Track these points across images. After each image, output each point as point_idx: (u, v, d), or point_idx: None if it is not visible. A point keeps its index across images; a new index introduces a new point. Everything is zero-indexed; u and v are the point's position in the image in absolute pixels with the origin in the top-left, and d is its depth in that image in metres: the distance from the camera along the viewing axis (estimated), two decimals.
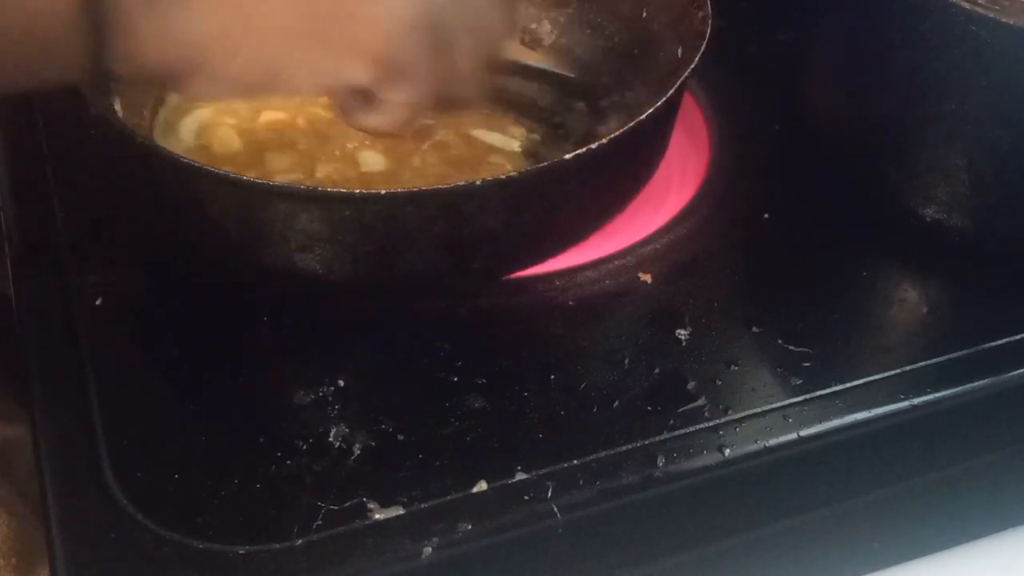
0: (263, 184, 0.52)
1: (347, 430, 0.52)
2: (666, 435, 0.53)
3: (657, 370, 0.56)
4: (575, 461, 0.52)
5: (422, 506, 0.49)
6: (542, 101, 0.67)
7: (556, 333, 0.59)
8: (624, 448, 0.52)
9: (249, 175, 0.51)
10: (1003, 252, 0.63)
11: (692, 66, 0.57)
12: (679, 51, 0.62)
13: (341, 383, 0.55)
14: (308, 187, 0.55)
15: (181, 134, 0.63)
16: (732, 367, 0.57)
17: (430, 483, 0.50)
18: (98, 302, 0.58)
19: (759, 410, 0.55)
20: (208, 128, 0.63)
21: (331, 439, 0.52)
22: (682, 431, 0.53)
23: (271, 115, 0.64)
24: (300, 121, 0.64)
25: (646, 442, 0.53)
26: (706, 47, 0.58)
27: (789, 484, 0.56)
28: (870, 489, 0.59)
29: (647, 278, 0.61)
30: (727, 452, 0.53)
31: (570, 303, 0.60)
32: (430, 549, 0.48)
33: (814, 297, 0.61)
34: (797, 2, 0.72)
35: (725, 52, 0.63)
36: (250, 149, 0.62)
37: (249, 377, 0.56)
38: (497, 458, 0.52)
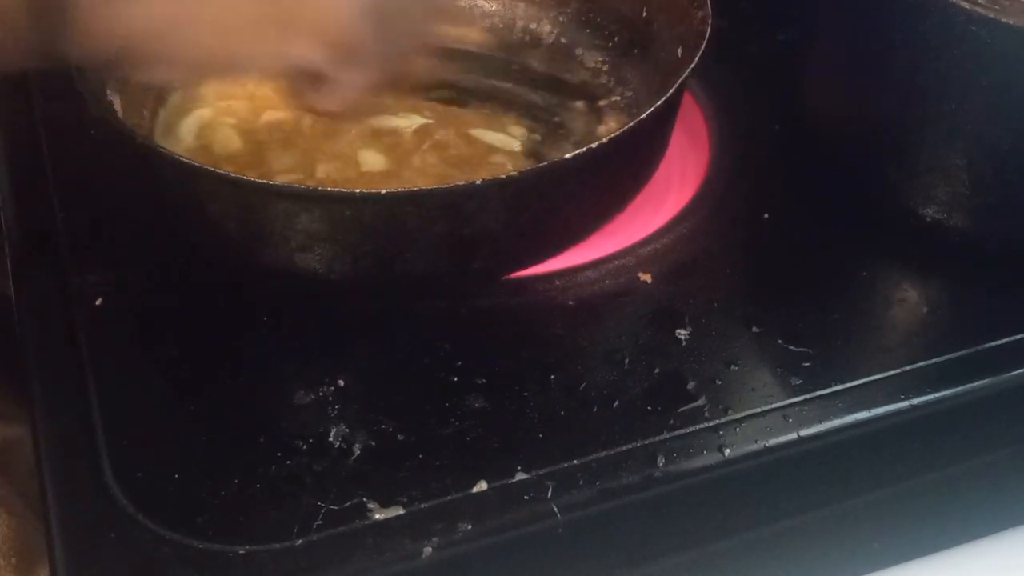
0: (263, 184, 0.52)
1: (347, 430, 0.52)
2: (666, 435, 0.53)
3: (657, 370, 0.56)
4: (575, 461, 0.52)
5: (422, 506, 0.49)
6: (542, 101, 0.67)
7: (556, 333, 0.59)
8: (624, 448, 0.52)
9: (249, 175, 0.51)
10: (1003, 252, 0.63)
11: (692, 66, 0.57)
12: (679, 51, 0.62)
13: (341, 383, 0.55)
14: (308, 187, 0.55)
15: (181, 134, 0.63)
16: (732, 367, 0.57)
17: (430, 483, 0.50)
18: (98, 302, 0.58)
19: (759, 410, 0.55)
20: (208, 128, 0.63)
21: (331, 439, 0.52)
22: (682, 431, 0.53)
23: (272, 115, 0.64)
24: (300, 121, 0.64)
25: (646, 442, 0.53)
26: (706, 47, 0.58)
27: (789, 484, 0.56)
28: (870, 489, 0.59)
29: (647, 278, 0.61)
30: (727, 452, 0.53)
31: (570, 303, 0.60)
32: (430, 549, 0.48)
33: (814, 297, 0.61)
34: (797, 2, 0.72)
35: (725, 52, 0.63)
36: (250, 149, 0.62)
37: (249, 377, 0.56)
38: (497, 458, 0.52)
